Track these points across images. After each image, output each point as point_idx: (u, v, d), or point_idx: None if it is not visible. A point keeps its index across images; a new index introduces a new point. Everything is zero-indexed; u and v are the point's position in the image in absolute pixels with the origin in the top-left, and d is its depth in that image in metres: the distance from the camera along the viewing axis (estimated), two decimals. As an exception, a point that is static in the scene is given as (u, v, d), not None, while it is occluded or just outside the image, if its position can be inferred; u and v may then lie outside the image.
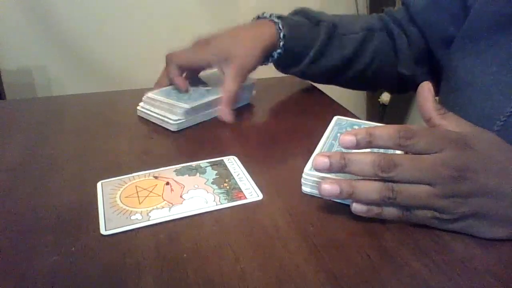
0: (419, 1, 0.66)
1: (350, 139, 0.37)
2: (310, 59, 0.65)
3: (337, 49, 0.66)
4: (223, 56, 0.60)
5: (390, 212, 0.38)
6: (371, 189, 0.37)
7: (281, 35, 0.63)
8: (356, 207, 0.38)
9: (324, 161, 0.37)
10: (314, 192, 0.42)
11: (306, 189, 0.43)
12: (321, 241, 0.37)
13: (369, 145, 0.37)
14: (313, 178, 0.42)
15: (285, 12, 0.69)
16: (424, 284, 0.32)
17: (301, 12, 0.68)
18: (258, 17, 0.67)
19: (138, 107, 0.62)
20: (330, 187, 0.37)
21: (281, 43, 0.63)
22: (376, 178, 0.37)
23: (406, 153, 0.37)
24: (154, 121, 0.60)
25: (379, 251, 0.36)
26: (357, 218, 0.39)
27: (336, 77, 0.70)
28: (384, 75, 0.71)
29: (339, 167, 0.37)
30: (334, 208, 0.41)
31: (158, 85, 0.64)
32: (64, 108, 0.67)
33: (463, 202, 0.36)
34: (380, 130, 0.37)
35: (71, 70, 1.60)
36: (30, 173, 0.48)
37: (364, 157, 0.37)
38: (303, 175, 0.43)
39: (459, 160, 0.36)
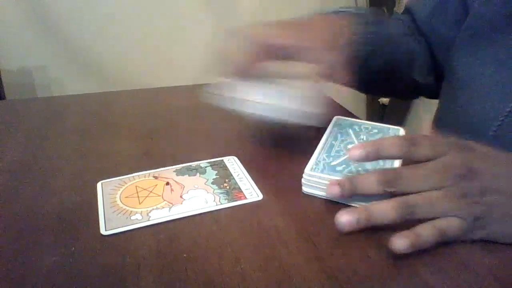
0: (423, 9, 0.64)
1: (359, 152, 0.37)
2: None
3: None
4: (328, 44, 0.47)
5: (427, 232, 0.35)
6: (385, 208, 0.36)
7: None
8: (398, 244, 0.34)
9: (336, 190, 0.38)
10: (315, 192, 0.43)
11: (306, 189, 0.43)
12: (321, 241, 0.37)
13: (377, 156, 0.37)
14: (313, 179, 0.42)
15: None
16: (424, 284, 0.32)
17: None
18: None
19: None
20: (347, 217, 0.36)
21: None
22: (386, 195, 0.36)
23: (411, 163, 0.37)
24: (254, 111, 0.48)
25: (379, 251, 0.36)
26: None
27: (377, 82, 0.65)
28: (403, 82, 0.67)
29: (350, 191, 0.37)
30: (334, 208, 0.41)
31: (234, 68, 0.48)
32: (64, 108, 0.67)
33: (477, 201, 0.35)
34: (386, 140, 0.37)
35: (71, 70, 1.60)
36: (30, 173, 0.48)
37: (369, 176, 0.37)
38: (304, 175, 0.43)
39: (465, 159, 0.36)
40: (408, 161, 0.38)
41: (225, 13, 1.75)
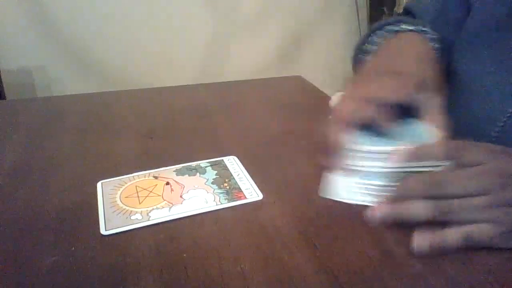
0: (426, 14, 0.63)
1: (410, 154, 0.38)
2: None
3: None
4: (422, 86, 0.45)
5: (452, 236, 0.35)
6: (423, 206, 0.36)
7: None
8: (418, 244, 0.35)
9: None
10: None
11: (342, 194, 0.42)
12: (321, 241, 0.37)
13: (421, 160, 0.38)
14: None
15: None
16: (424, 284, 0.32)
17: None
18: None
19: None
20: (380, 210, 0.38)
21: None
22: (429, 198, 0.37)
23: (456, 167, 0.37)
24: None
25: (379, 251, 0.36)
26: (357, 218, 0.39)
27: None
28: None
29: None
30: (334, 208, 0.41)
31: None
32: (64, 108, 0.67)
33: None
34: (433, 147, 0.38)
35: (71, 70, 1.60)
36: (30, 173, 0.48)
37: (415, 179, 0.37)
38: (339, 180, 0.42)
39: (508, 167, 0.36)
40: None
41: (226, 13, 1.75)
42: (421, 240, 0.35)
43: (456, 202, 0.36)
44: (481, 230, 0.35)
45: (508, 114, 0.46)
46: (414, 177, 0.38)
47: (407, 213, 0.37)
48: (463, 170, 0.37)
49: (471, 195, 0.36)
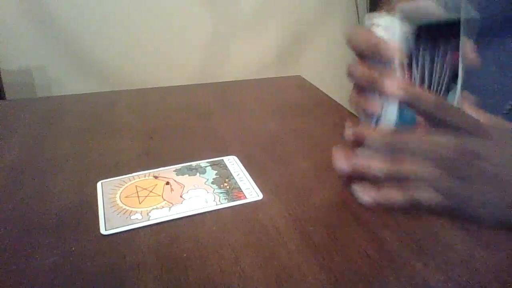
0: None
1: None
2: None
3: None
4: None
5: (395, 196, 0.38)
6: (378, 164, 0.38)
7: None
8: (363, 198, 0.38)
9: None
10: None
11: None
12: (321, 241, 0.37)
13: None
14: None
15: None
16: (424, 284, 0.32)
17: None
18: None
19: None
20: (344, 161, 0.39)
21: None
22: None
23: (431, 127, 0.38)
24: None
25: (379, 251, 0.36)
26: (357, 218, 0.39)
27: None
28: None
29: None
30: (334, 208, 0.41)
31: None
32: (64, 108, 0.67)
33: (467, 187, 0.36)
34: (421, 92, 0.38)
35: (71, 70, 1.60)
36: (30, 173, 0.48)
37: (382, 135, 0.39)
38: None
39: (472, 145, 0.37)
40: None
41: (225, 13, 1.75)
42: (364, 194, 0.37)
43: (409, 167, 0.37)
44: (427, 198, 0.37)
45: (506, 111, 0.47)
46: (381, 133, 0.39)
47: (364, 166, 0.38)
48: (428, 137, 0.37)
49: (427, 164, 0.37)
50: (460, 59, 0.40)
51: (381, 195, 0.38)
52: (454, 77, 0.41)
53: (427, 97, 0.38)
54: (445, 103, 0.38)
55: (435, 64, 0.41)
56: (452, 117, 0.37)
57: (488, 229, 0.37)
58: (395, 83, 0.37)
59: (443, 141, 0.37)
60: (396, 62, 0.38)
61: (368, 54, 0.39)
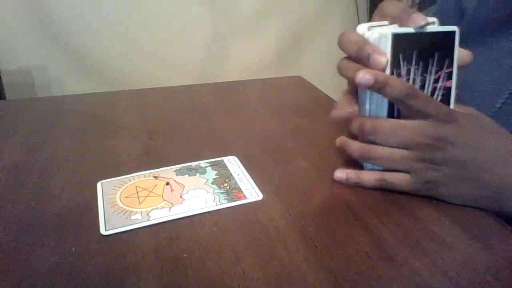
0: None
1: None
2: None
3: None
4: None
5: (367, 178, 0.43)
6: (353, 148, 0.43)
7: None
8: (336, 174, 0.44)
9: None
10: None
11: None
12: (321, 241, 0.37)
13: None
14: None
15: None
16: (424, 284, 0.32)
17: None
18: None
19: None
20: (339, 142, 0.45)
21: None
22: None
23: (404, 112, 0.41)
24: None
25: (379, 251, 0.36)
26: (357, 217, 0.39)
27: None
28: None
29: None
30: (334, 208, 0.41)
31: None
32: (64, 108, 0.67)
33: (435, 168, 0.40)
34: (393, 79, 0.40)
35: (71, 70, 1.60)
36: (30, 173, 0.48)
37: (359, 120, 0.42)
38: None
39: (440, 130, 0.39)
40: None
41: (225, 13, 1.75)
42: (340, 174, 0.44)
43: (380, 149, 0.41)
44: (397, 178, 0.41)
45: (496, 109, 0.49)
46: (359, 119, 0.42)
47: (345, 145, 0.44)
48: (396, 123, 0.40)
49: (398, 147, 0.40)
50: (454, 77, 0.42)
51: (354, 173, 0.43)
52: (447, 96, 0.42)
53: (398, 84, 0.39)
54: (415, 90, 0.39)
55: (426, 82, 0.42)
56: (422, 104, 0.39)
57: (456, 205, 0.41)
58: (367, 71, 0.39)
59: (413, 125, 0.40)
60: (384, 66, 0.39)
61: (357, 57, 0.41)
